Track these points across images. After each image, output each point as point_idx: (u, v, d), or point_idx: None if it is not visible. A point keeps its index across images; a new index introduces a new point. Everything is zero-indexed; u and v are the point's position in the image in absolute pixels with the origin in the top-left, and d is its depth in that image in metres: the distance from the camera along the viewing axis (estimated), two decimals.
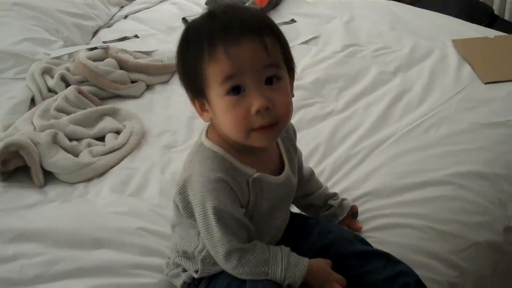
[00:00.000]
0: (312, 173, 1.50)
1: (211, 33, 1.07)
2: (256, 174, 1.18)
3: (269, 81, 1.08)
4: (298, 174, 1.39)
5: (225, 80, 1.06)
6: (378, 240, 1.42)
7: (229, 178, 1.14)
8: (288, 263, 1.19)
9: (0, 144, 1.73)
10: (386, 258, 1.28)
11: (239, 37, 1.05)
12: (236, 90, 1.07)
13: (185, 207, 1.20)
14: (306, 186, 1.47)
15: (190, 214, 1.20)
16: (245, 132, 1.10)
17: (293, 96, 1.16)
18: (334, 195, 1.50)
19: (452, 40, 2.48)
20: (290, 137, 1.33)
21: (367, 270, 1.26)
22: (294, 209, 1.51)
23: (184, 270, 1.31)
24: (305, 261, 1.20)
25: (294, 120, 1.92)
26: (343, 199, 1.50)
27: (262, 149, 1.18)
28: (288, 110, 1.13)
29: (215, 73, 1.07)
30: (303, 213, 1.51)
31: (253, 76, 1.07)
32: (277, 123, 1.10)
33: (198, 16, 1.15)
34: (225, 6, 1.14)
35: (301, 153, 1.44)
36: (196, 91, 1.14)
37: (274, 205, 1.25)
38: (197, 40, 1.09)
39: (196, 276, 1.28)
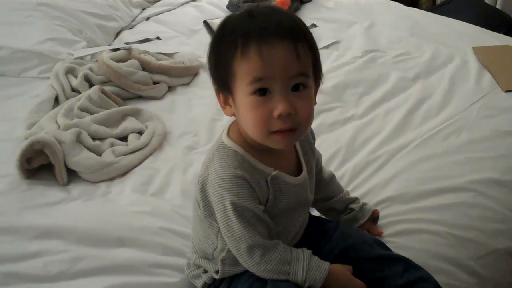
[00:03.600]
0: (333, 176, 1.51)
1: (247, 32, 1.08)
2: (275, 172, 1.19)
3: (295, 87, 1.10)
4: (317, 176, 1.41)
5: (254, 81, 1.08)
6: (398, 245, 1.43)
7: (248, 175, 1.15)
8: (310, 265, 1.20)
9: (25, 142, 1.75)
10: (405, 263, 1.29)
11: (274, 40, 1.06)
12: (262, 91, 1.08)
13: (206, 206, 1.22)
14: (326, 189, 1.49)
15: (210, 213, 1.22)
16: (264, 133, 1.11)
17: (315, 103, 1.18)
18: (355, 199, 1.52)
19: (472, 47, 2.48)
20: (309, 140, 1.35)
21: (386, 275, 1.26)
22: (315, 213, 1.52)
23: (205, 271, 1.33)
24: (326, 264, 1.22)
25: (314, 124, 1.93)
26: (364, 204, 1.51)
27: (280, 151, 1.19)
28: (309, 118, 1.14)
29: (244, 72, 1.08)
30: (323, 216, 1.52)
31: (281, 82, 1.08)
32: (296, 129, 1.11)
33: (235, 13, 1.16)
34: (264, 7, 1.15)
35: (320, 156, 1.46)
36: (223, 84, 1.15)
37: (293, 207, 1.26)
38: (232, 35, 1.10)
39: (216, 277, 1.30)
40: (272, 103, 1.09)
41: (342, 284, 1.24)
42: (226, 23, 1.14)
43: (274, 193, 1.20)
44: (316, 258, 1.23)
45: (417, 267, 1.29)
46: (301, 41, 1.09)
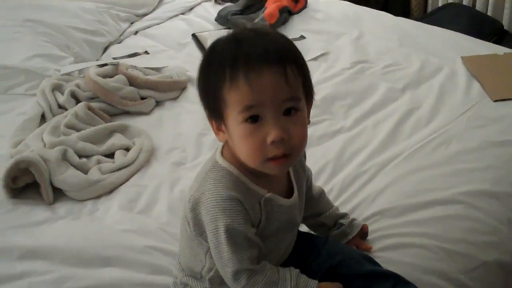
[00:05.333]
0: (322, 192, 1.49)
1: (235, 59, 1.06)
2: (268, 195, 1.18)
3: (287, 111, 1.08)
4: (307, 193, 1.39)
5: (245, 110, 1.07)
6: (387, 260, 1.41)
7: (243, 197, 1.13)
8: (297, 285, 1.18)
9: (10, 161, 1.74)
10: (394, 278, 1.28)
11: (261, 66, 1.05)
12: (253, 119, 1.07)
13: (196, 225, 1.20)
14: (316, 206, 1.47)
15: (200, 232, 1.20)
16: (260, 160, 1.10)
17: (309, 123, 1.16)
18: (345, 215, 1.50)
19: (461, 57, 2.48)
20: (300, 158, 1.33)
21: None
22: (303, 228, 1.50)
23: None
24: (314, 283, 1.20)
25: None
26: (353, 219, 1.49)
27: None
28: (302, 142, 1.12)
29: (235, 101, 1.07)
30: (311, 231, 1.51)
31: (272, 108, 1.07)
32: (290, 154, 1.10)
33: (223, 37, 1.14)
34: (250, 31, 1.14)
35: (311, 172, 1.44)
36: (214, 112, 1.14)
37: (283, 227, 1.24)
38: (220, 64, 1.09)
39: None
40: (265, 130, 1.07)
41: None
42: (213, 50, 1.13)
43: (267, 215, 1.19)
44: (303, 277, 1.21)
45: (406, 282, 1.28)
46: (290, 63, 1.07)
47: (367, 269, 1.30)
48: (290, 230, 1.29)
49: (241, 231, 1.13)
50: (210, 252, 1.19)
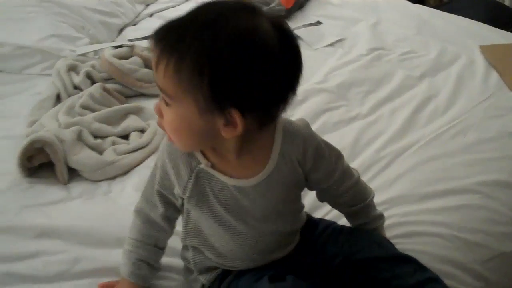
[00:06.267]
0: (364, 206, 1.37)
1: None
2: (202, 166, 1.14)
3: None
4: (334, 196, 1.34)
5: None
6: (403, 247, 1.39)
7: (175, 158, 1.17)
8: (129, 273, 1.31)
9: (26, 140, 1.74)
10: (415, 263, 1.26)
11: (152, 45, 1.00)
12: None
13: None
14: (350, 214, 1.39)
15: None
16: None
17: (239, 132, 1.01)
18: (380, 217, 1.42)
19: (479, 46, 2.46)
20: (297, 150, 1.19)
21: (396, 274, 1.22)
22: (317, 214, 1.50)
23: (200, 273, 1.31)
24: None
25: (318, 123, 1.93)
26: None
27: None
28: (171, 134, 1.07)
29: None
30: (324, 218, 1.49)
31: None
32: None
33: None
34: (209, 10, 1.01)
35: (333, 172, 1.28)
36: None
37: (230, 210, 1.18)
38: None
39: (193, 268, 1.31)
40: None
41: None
42: None
43: (198, 185, 1.17)
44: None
45: (425, 268, 1.26)
46: (168, 57, 0.96)
47: (389, 253, 1.28)
48: (240, 218, 1.20)
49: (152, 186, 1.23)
50: (184, 217, 1.25)
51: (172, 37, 0.96)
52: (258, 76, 0.95)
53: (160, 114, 1.06)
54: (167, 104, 1.02)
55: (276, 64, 0.97)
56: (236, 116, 0.97)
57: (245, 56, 0.94)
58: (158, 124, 1.08)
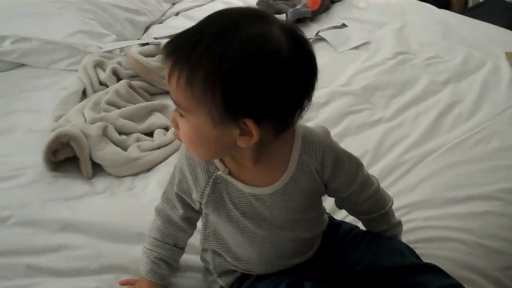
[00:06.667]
0: (382, 214, 1.35)
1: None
2: (220, 173, 1.15)
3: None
4: (353, 204, 1.33)
5: None
6: (423, 252, 1.38)
7: (193, 164, 1.17)
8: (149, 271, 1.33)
9: (51, 134, 1.76)
10: (437, 271, 1.25)
11: (165, 58, 1.01)
12: None
13: None
14: (368, 221, 1.38)
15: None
16: None
17: (253, 140, 1.00)
18: (399, 224, 1.41)
19: (505, 52, 2.44)
20: (316, 159, 1.17)
21: (417, 281, 1.22)
22: (338, 215, 1.50)
23: (220, 276, 1.32)
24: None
25: (342, 125, 1.93)
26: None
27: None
28: (187, 144, 1.07)
29: None
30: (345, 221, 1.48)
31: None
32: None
33: None
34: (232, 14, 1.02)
35: (352, 181, 1.26)
36: None
37: (248, 217, 1.19)
38: None
39: (210, 266, 1.33)
40: None
41: None
42: None
43: (216, 192, 1.17)
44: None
45: (448, 276, 1.24)
46: (180, 70, 0.95)
47: (410, 261, 1.26)
48: (258, 224, 1.20)
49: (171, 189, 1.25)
50: (203, 221, 1.28)
51: (183, 49, 0.95)
52: (271, 85, 0.94)
53: (176, 125, 1.06)
54: (181, 115, 1.02)
55: (290, 72, 0.95)
56: (251, 126, 0.96)
57: (257, 65, 0.92)
58: (175, 135, 1.09)
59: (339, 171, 1.20)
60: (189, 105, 0.98)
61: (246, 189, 1.15)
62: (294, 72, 0.96)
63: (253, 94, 0.94)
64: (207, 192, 1.17)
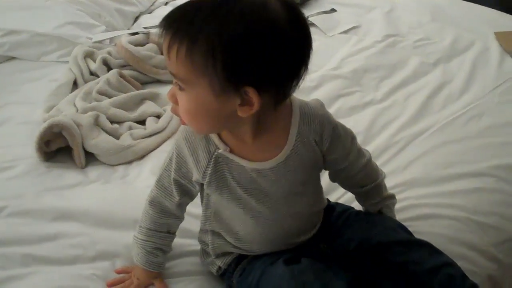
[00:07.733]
0: (375, 186, 1.37)
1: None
2: (221, 151, 1.15)
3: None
4: (348, 176, 1.34)
5: None
6: (417, 229, 1.40)
7: (193, 144, 1.17)
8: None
9: (43, 124, 1.76)
10: (429, 248, 1.26)
11: (162, 32, 1.02)
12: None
13: None
14: (361, 194, 1.41)
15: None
16: None
17: (255, 108, 1.01)
18: (392, 197, 1.43)
19: (494, 32, 2.45)
20: (314, 130, 1.19)
21: (411, 259, 1.23)
22: (333, 197, 1.51)
23: (217, 257, 1.33)
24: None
25: (333, 108, 1.93)
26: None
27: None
28: (186, 119, 1.07)
29: None
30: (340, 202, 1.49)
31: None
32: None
33: None
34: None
35: (348, 152, 1.29)
36: None
37: (250, 193, 1.20)
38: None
39: (211, 252, 1.33)
40: None
41: None
42: None
43: (218, 170, 1.17)
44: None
45: (440, 252, 1.26)
46: (179, 41, 0.96)
47: (403, 238, 1.28)
48: (261, 200, 1.21)
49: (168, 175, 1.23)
50: (204, 202, 1.27)
51: (182, 21, 0.96)
52: (271, 52, 0.95)
53: (174, 101, 1.06)
54: (181, 89, 1.02)
55: (288, 40, 0.96)
56: (252, 94, 0.98)
57: (257, 33, 0.93)
58: (172, 111, 1.09)
59: (337, 142, 1.22)
60: (190, 77, 0.99)
61: (248, 164, 1.16)
62: (292, 39, 0.97)
63: (253, 62, 0.95)
64: (209, 172, 1.17)
